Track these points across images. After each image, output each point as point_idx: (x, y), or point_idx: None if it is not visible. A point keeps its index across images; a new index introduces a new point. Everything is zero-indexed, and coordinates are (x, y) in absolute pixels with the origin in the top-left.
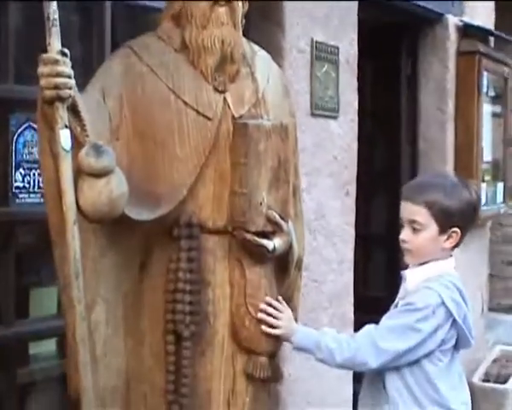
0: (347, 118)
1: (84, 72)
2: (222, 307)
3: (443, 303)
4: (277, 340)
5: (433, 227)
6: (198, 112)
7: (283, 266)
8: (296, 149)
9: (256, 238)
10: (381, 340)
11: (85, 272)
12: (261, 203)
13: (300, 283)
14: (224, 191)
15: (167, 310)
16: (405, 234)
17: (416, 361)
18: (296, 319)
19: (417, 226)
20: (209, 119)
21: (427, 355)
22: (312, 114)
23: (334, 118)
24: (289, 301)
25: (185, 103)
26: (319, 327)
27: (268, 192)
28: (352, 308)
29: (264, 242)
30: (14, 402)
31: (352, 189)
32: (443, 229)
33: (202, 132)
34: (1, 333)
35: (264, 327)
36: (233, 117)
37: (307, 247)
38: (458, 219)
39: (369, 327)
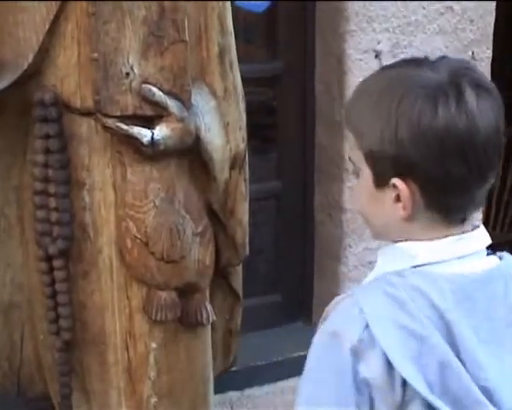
0: None
1: None
2: (105, 218)
3: (367, 327)
4: (183, 268)
5: (366, 173)
6: None
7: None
8: None
9: (121, 125)
10: None
11: None
12: (127, 74)
13: (245, 189)
14: None
15: (34, 217)
16: None
17: None
18: (244, 243)
19: (354, 168)
20: None
21: None
22: None
23: None
24: (231, 214)
25: None
26: None
27: (142, 57)
28: None
29: (135, 131)
30: None
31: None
32: (379, 178)
33: None
34: None
35: None
36: None
37: None
38: (397, 163)
39: None
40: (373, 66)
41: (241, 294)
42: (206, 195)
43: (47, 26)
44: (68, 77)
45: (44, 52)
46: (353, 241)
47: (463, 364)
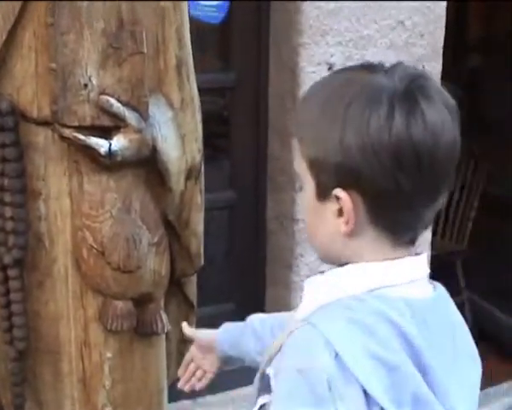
0: None
1: None
2: (61, 228)
3: (336, 357)
4: (139, 278)
5: (310, 184)
6: None
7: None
8: (180, 5)
9: (78, 136)
10: None
11: None
12: (85, 85)
13: (201, 200)
14: None
15: None
16: None
17: None
18: (199, 253)
19: (300, 181)
20: None
21: None
22: None
23: None
24: (186, 225)
25: None
26: None
27: (100, 68)
28: None
29: (92, 141)
30: None
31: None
32: (321, 189)
33: None
34: None
35: None
36: None
37: None
38: (341, 172)
39: None
40: None
41: (195, 303)
42: (162, 205)
43: (4, 37)
44: (25, 86)
45: (1, 61)
46: (305, 250)
47: (434, 394)
